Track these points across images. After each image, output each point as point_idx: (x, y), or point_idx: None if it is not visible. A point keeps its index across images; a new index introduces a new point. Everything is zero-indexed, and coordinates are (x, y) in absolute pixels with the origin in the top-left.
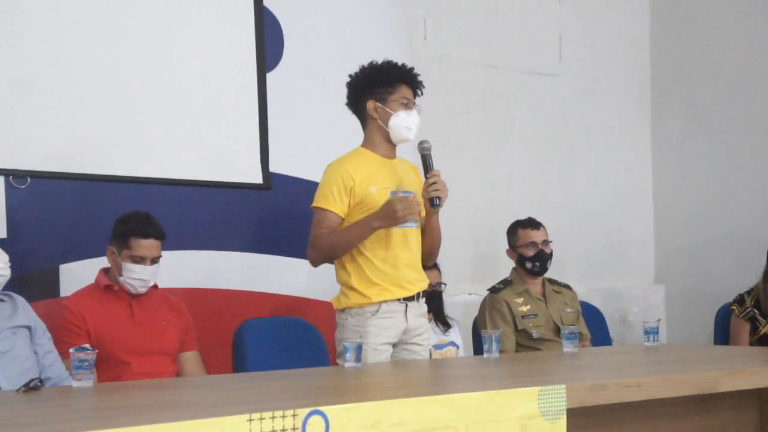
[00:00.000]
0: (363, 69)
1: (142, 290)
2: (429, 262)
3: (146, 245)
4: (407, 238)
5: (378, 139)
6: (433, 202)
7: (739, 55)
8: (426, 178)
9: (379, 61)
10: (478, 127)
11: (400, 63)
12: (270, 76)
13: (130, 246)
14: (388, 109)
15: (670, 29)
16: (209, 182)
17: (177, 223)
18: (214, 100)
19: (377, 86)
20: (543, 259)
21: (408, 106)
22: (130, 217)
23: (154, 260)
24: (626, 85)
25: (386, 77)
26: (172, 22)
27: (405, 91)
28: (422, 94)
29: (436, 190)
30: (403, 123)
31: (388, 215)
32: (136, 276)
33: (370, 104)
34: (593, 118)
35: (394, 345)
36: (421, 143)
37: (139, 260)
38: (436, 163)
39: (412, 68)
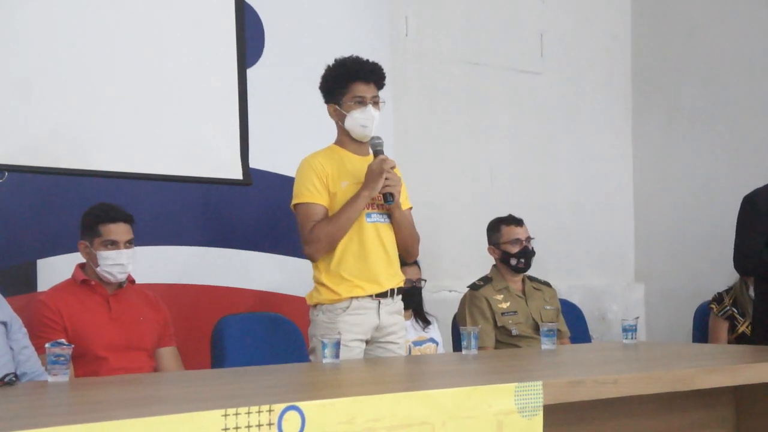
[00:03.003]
0: (325, 71)
1: (121, 277)
2: (409, 259)
3: (116, 229)
4: (380, 233)
5: (346, 138)
6: (386, 198)
7: (721, 54)
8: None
9: (340, 58)
10: (459, 124)
11: (356, 59)
12: (250, 72)
13: (100, 233)
14: (343, 111)
15: (652, 28)
16: (188, 177)
17: (155, 218)
18: (194, 95)
19: (332, 88)
20: (527, 255)
21: (362, 102)
22: (94, 208)
23: (127, 244)
24: (608, 83)
25: (337, 78)
26: (152, 17)
27: (358, 88)
28: (383, 86)
29: (387, 186)
30: (358, 122)
31: (371, 177)
32: (113, 261)
33: (330, 108)
34: (575, 116)
35: (368, 342)
36: (372, 139)
37: (111, 245)
38: (414, 159)
39: (367, 63)
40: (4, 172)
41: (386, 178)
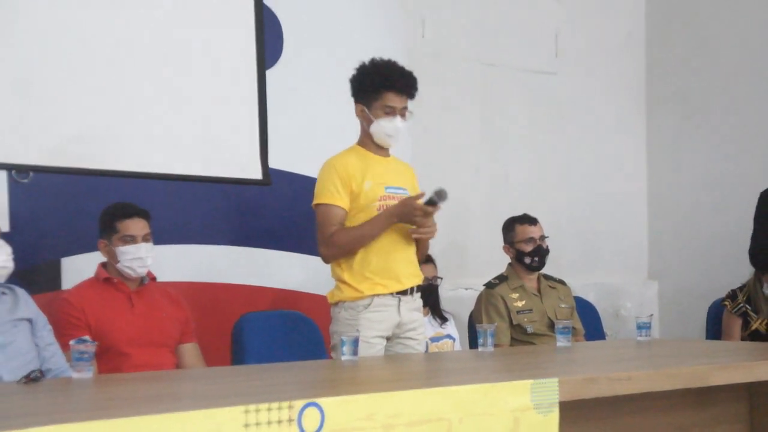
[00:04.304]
0: (359, 69)
1: (141, 271)
2: (420, 257)
3: (132, 224)
4: (401, 233)
5: (368, 139)
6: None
7: (734, 52)
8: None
9: (379, 60)
10: (475, 124)
11: (393, 66)
12: (270, 73)
13: (117, 229)
14: (371, 115)
15: (666, 27)
16: (209, 178)
17: (177, 217)
18: (215, 96)
19: (364, 91)
20: (541, 254)
21: (391, 113)
22: (110, 206)
23: (145, 238)
24: (622, 82)
25: (372, 84)
26: (174, 19)
27: (390, 98)
28: (414, 96)
29: (426, 233)
30: (383, 131)
31: (405, 214)
32: (132, 255)
33: (358, 107)
34: (589, 116)
35: (388, 338)
36: (443, 193)
37: (129, 240)
38: (431, 158)
39: (403, 73)
40: (29, 173)
41: (429, 227)
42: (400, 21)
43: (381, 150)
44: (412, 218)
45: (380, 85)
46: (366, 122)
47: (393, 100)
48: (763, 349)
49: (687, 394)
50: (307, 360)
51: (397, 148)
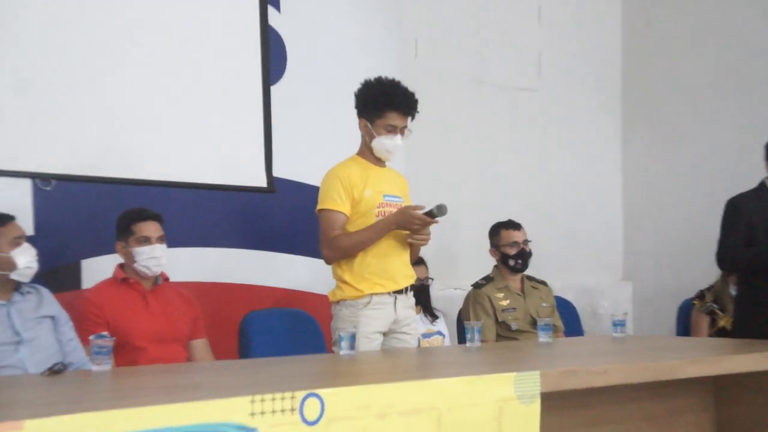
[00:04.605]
0: (365, 85)
1: (157, 270)
2: (412, 259)
3: (147, 226)
4: (397, 238)
5: (368, 151)
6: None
7: (700, 76)
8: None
9: (385, 79)
10: (465, 137)
11: (397, 87)
12: (274, 89)
13: (133, 232)
14: (373, 131)
15: (640, 49)
16: (218, 185)
17: (188, 222)
18: (224, 110)
19: (368, 108)
20: (524, 257)
21: (392, 131)
22: (126, 211)
23: (159, 240)
24: (599, 99)
25: (376, 103)
26: (187, 41)
27: (392, 117)
28: (414, 116)
29: (420, 240)
30: (384, 147)
31: (403, 222)
32: (148, 255)
33: (361, 122)
34: (569, 130)
35: (385, 334)
36: (442, 207)
37: (145, 241)
38: (423, 169)
39: (406, 94)
40: (51, 181)
41: (425, 234)
42: (395, 41)
43: (379, 161)
44: (410, 226)
45: (384, 104)
46: (368, 137)
47: (395, 119)
48: (728, 345)
49: (658, 386)
50: (308, 354)
51: (393, 159)
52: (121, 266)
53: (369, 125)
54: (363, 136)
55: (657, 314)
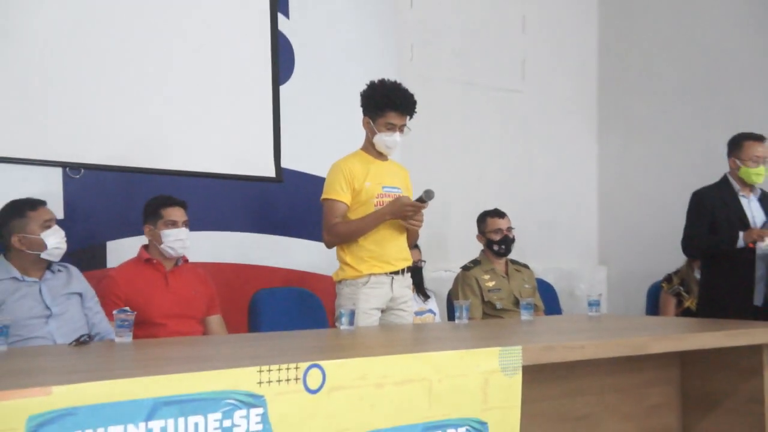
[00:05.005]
0: (370, 86)
1: (182, 251)
2: (411, 243)
3: (174, 211)
4: (394, 225)
5: (371, 146)
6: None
7: (672, 80)
8: (414, 205)
9: (387, 81)
10: (455, 134)
11: (398, 88)
12: (283, 89)
13: (161, 216)
14: (375, 128)
15: (615, 56)
16: (232, 176)
17: (205, 208)
18: (238, 108)
19: (371, 107)
20: (507, 243)
21: (392, 129)
22: (155, 198)
23: (185, 224)
24: (577, 100)
25: (378, 103)
26: (206, 47)
27: (392, 116)
28: (413, 115)
29: (415, 224)
30: (384, 143)
31: (397, 210)
32: (174, 237)
33: (365, 119)
34: (550, 128)
35: (383, 310)
36: (429, 192)
37: (172, 224)
38: (418, 164)
39: (405, 96)
40: (80, 170)
41: (418, 219)
42: (392, 47)
43: (381, 155)
44: (404, 213)
45: (385, 105)
46: (370, 133)
47: (394, 118)
48: (693, 324)
49: (629, 361)
50: (312, 329)
51: (392, 154)
52: (145, 247)
53: (371, 122)
54: (366, 132)
55: (629, 295)
